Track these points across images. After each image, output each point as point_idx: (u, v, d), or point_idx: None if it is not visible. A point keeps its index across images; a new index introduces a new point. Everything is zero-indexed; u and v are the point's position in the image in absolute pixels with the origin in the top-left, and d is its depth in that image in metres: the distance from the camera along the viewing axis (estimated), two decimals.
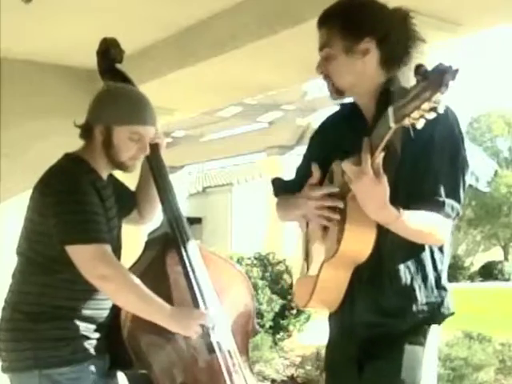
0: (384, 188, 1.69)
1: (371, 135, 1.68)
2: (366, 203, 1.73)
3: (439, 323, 1.98)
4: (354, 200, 1.79)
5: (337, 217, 1.86)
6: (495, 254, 25.47)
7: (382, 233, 1.82)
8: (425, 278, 1.92)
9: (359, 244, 1.84)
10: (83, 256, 2.02)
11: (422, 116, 1.48)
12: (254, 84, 4.62)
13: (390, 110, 1.56)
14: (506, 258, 25.15)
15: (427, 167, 1.85)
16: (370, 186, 1.68)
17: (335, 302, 1.97)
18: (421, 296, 1.91)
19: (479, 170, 24.91)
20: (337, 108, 2.12)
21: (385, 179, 1.69)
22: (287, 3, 3.29)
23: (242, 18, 3.57)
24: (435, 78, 1.44)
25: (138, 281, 2.08)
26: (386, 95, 1.78)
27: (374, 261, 1.86)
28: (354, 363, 1.99)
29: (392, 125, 1.56)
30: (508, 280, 21.58)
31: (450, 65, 1.44)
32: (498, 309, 12.51)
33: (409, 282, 1.90)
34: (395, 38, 1.88)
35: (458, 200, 1.86)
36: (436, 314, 1.95)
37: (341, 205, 1.85)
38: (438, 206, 1.82)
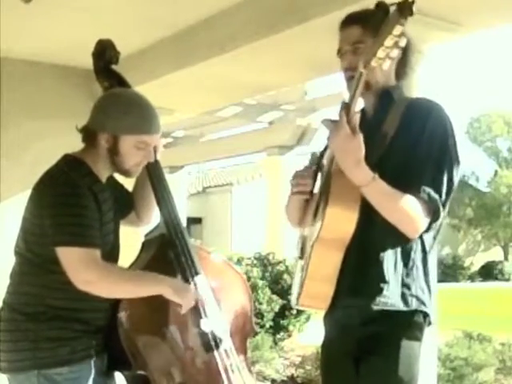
0: (359, 144, 1.78)
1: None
2: (342, 158, 1.81)
3: (406, 320, 1.94)
4: (337, 176, 1.86)
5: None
6: (495, 254, 25.49)
7: (371, 222, 1.86)
8: (398, 273, 1.92)
9: (342, 221, 1.88)
10: (70, 259, 2.02)
11: (387, 55, 1.61)
12: (254, 84, 4.62)
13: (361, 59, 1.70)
14: (506, 258, 25.18)
15: (414, 156, 1.89)
16: (345, 141, 1.78)
17: (327, 292, 1.95)
18: (388, 291, 1.90)
19: (479, 170, 24.95)
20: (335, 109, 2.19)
21: (360, 137, 1.78)
22: (290, 2, 3.29)
23: (242, 18, 3.57)
24: (394, 12, 1.56)
25: (122, 270, 2.14)
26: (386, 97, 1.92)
27: (361, 248, 1.90)
28: (351, 358, 1.99)
29: (362, 70, 1.69)
30: (508, 280, 21.62)
31: None
32: (498, 309, 12.52)
33: (385, 274, 1.90)
34: (411, 50, 2.00)
35: (439, 192, 1.87)
36: (398, 310, 1.92)
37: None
38: (414, 189, 1.85)
